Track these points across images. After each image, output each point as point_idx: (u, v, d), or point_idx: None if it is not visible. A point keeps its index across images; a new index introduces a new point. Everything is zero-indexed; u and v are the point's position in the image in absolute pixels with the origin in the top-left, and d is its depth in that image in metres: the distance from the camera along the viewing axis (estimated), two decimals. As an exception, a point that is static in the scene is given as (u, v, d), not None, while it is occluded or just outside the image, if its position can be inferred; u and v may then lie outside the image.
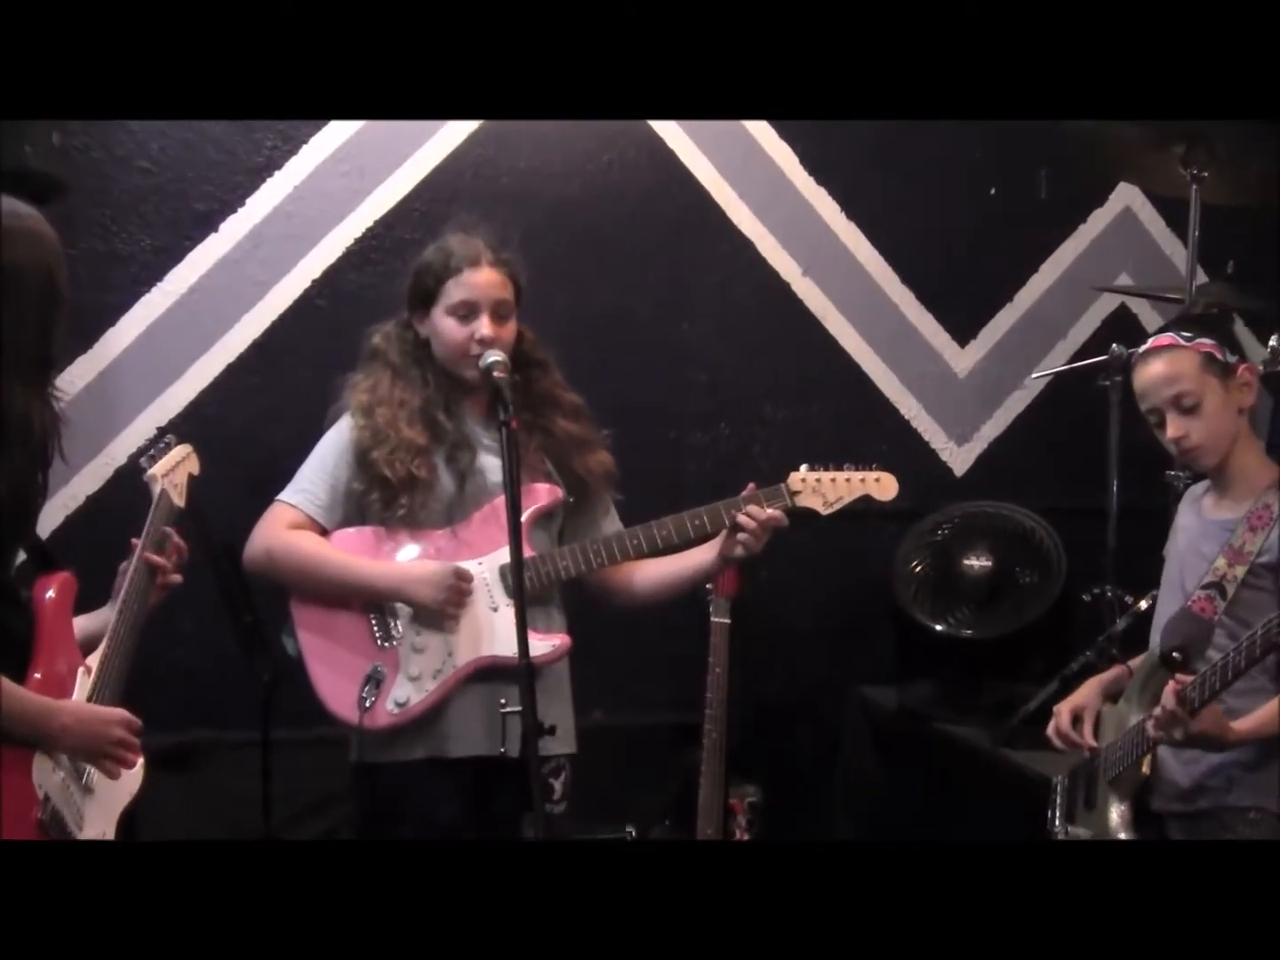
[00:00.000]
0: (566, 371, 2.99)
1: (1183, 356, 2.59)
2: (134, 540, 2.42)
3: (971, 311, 4.31)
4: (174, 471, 2.54)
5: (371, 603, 2.80)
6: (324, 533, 2.83)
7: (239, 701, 3.20)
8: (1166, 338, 2.62)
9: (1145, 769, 2.58)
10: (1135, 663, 2.74)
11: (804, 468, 2.93)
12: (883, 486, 2.96)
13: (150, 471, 2.48)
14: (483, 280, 2.83)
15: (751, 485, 2.91)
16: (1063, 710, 2.79)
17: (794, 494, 2.91)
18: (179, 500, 2.53)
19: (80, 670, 2.26)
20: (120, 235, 3.75)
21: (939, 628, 3.94)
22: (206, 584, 3.22)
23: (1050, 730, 2.79)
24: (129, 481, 2.48)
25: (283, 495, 2.86)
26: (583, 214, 4.04)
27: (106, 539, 2.52)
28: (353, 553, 2.81)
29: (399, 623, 2.79)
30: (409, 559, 2.81)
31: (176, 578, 2.47)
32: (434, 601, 2.75)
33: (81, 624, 2.36)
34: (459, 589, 2.76)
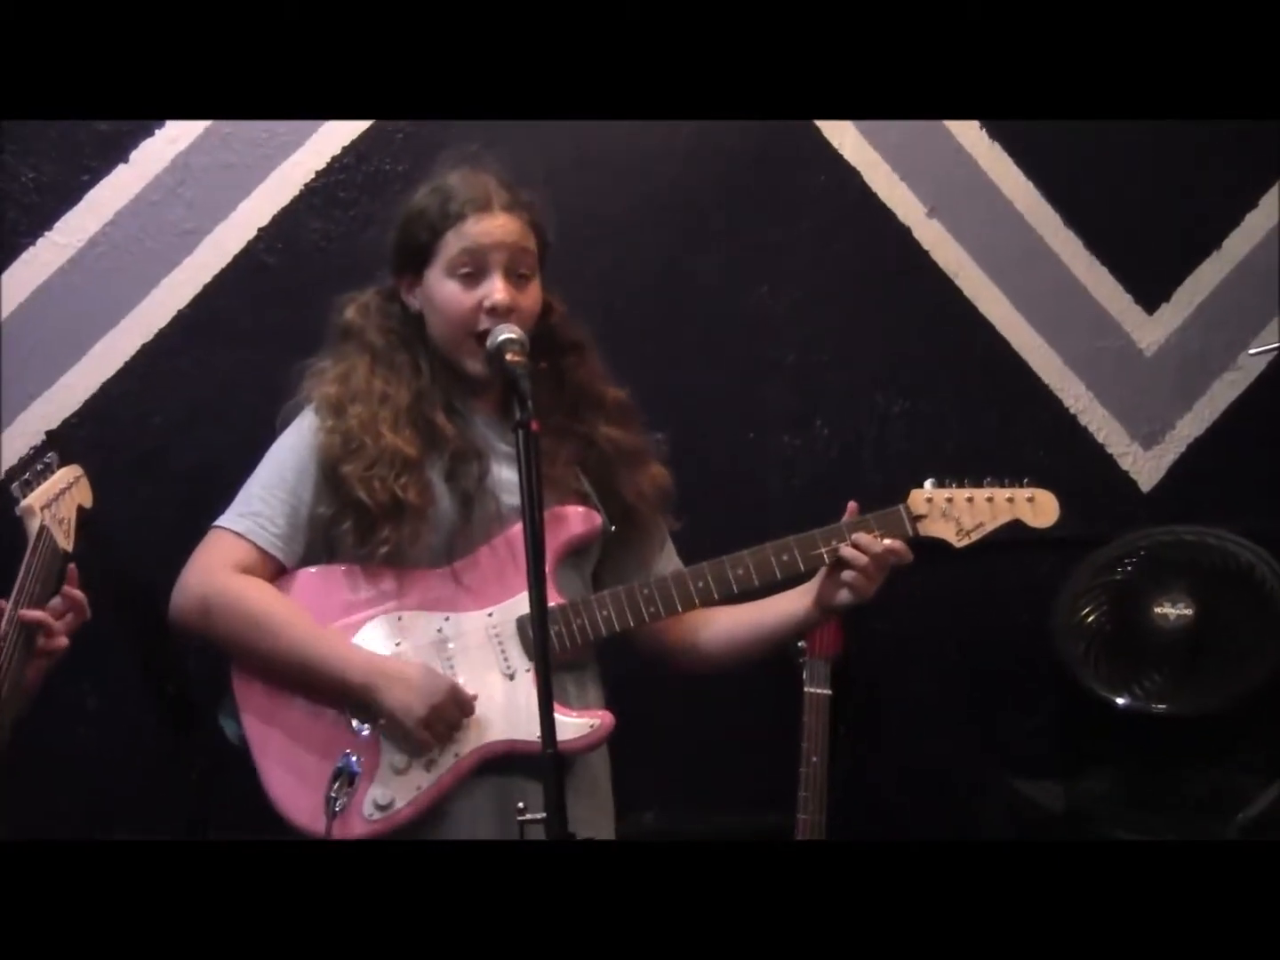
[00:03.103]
0: (607, 356, 3.05)
1: None
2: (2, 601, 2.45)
3: (1163, 264, 4.33)
4: (57, 502, 2.58)
5: None
6: (281, 571, 2.90)
7: (162, 802, 3.27)
8: None
9: None
10: None
11: (930, 483, 2.98)
12: (1039, 508, 3.01)
13: (25, 502, 2.51)
14: (494, 228, 2.89)
15: (853, 506, 2.96)
16: None
17: (917, 519, 2.96)
18: (65, 542, 2.57)
19: None
20: (-7, 167, 3.83)
21: (1121, 700, 3.97)
22: (118, 645, 3.31)
23: None
24: (6, 508, 2.53)
25: (224, 520, 2.92)
26: (627, 140, 4.07)
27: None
28: (316, 602, 2.88)
29: (381, 697, 2.87)
30: (391, 641, 2.86)
31: (61, 641, 2.50)
32: (409, 716, 2.78)
33: None
34: (447, 712, 2.80)
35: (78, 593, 2.53)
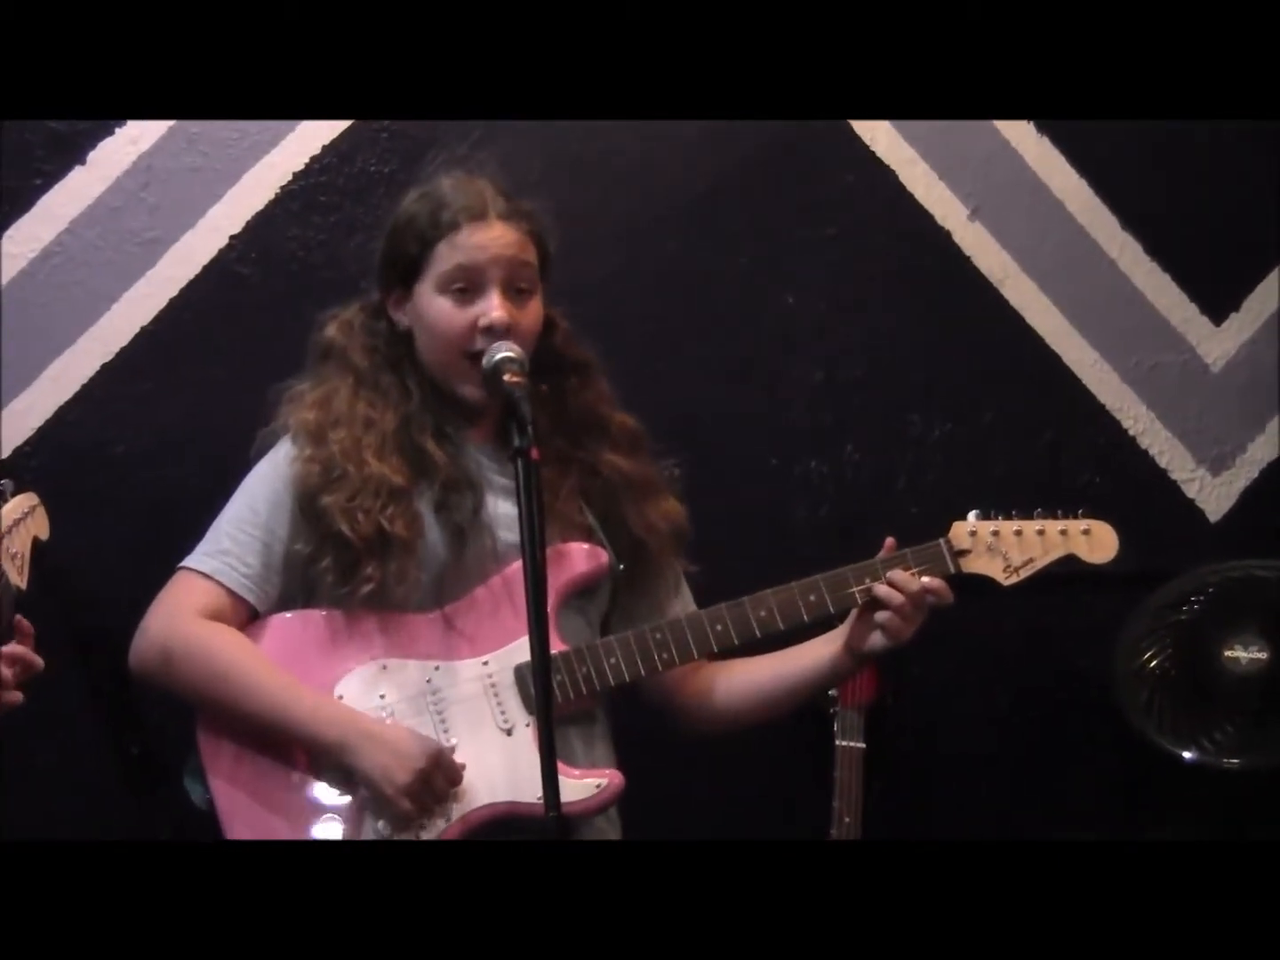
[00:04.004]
0: (615, 374, 3.04)
1: None
2: None
3: (1231, 271, 4.32)
4: (10, 535, 2.58)
5: None
6: (254, 615, 2.90)
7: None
8: None
9: None
10: None
11: (973, 515, 2.98)
12: (1096, 542, 3.00)
13: None
14: (490, 240, 2.89)
15: (890, 542, 2.96)
16: None
17: (960, 554, 2.96)
18: (19, 579, 2.58)
19: None
20: (-66, 171, 3.83)
21: (1188, 754, 3.95)
22: (73, 698, 3.31)
23: None
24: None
25: (190, 560, 2.92)
26: (633, 134, 4.07)
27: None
28: (292, 651, 2.87)
29: (363, 755, 2.86)
30: (375, 692, 2.85)
31: (16, 696, 2.51)
32: (389, 782, 2.76)
33: None
34: (433, 780, 2.78)
35: (29, 654, 2.53)
